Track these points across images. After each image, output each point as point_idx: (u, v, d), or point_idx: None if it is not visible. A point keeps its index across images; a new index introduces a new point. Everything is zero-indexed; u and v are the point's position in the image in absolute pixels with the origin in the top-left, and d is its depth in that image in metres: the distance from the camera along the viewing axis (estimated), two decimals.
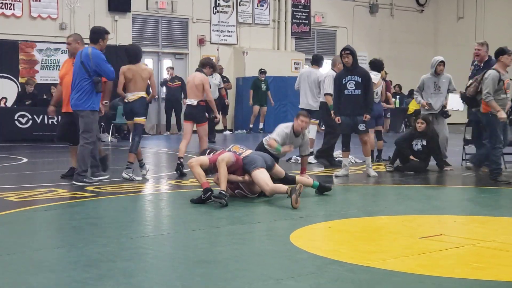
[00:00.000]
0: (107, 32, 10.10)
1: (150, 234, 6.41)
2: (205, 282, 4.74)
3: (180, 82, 21.07)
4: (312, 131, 13.23)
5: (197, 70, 11.23)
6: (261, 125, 22.35)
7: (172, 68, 21.37)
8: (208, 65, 11.12)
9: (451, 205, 8.65)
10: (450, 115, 12.46)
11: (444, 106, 12.28)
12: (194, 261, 5.29)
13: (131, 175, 10.27)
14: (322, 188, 8.88)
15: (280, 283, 4.70)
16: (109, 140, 18.20)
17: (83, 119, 9.74)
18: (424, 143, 11.66)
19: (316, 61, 13.58)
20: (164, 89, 21.48)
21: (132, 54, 10.45)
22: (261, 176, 8.32)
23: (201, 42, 22.60)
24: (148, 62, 21.85)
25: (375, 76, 13.10)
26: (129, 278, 4.80)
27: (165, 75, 21.56)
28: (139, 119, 10.38)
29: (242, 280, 4.78)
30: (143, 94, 10.45)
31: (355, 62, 10.85)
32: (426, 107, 12.28)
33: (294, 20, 25.03)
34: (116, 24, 21.03)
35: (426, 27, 28.60)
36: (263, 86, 22.07)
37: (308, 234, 6.56)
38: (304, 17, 25.33)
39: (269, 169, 8.56)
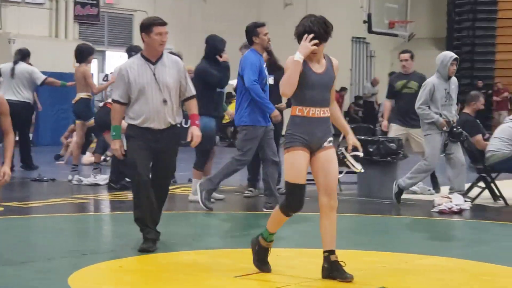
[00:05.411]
0: (257, 26, 10.74)
1: None
2: None
3: None
4: None
5: None
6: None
7: None
8: None
9: (276, 235, 8.88)
10: (464, 137, 11.27)
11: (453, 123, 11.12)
12: None
13: None
14: None
15: None
16: None
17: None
18: None
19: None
20: None
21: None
22: None
23: None
24: None
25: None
26: None
27: None
28: None
29: None
30: None
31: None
32: (445, 128, 10.99)
33: (77, 0, 24.83)
34: None
35: (247, 15, 29.30)
36: None
37: (92, 275, 6.54)
38: None
39: None
